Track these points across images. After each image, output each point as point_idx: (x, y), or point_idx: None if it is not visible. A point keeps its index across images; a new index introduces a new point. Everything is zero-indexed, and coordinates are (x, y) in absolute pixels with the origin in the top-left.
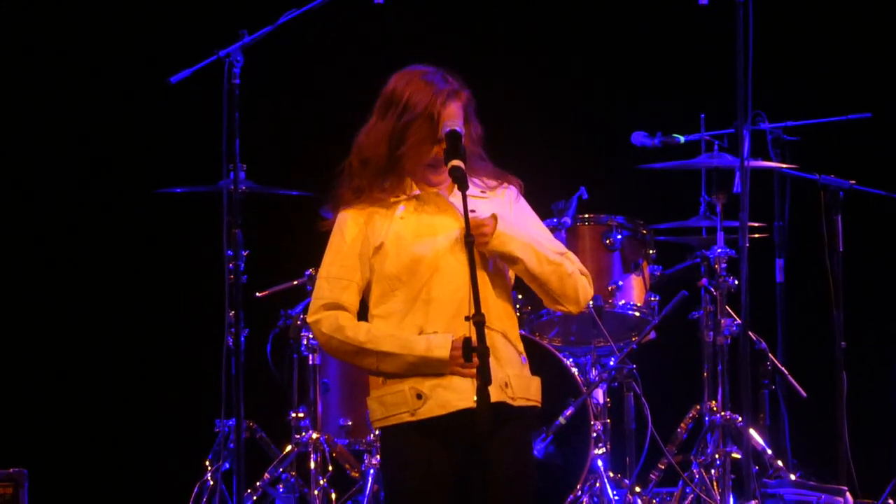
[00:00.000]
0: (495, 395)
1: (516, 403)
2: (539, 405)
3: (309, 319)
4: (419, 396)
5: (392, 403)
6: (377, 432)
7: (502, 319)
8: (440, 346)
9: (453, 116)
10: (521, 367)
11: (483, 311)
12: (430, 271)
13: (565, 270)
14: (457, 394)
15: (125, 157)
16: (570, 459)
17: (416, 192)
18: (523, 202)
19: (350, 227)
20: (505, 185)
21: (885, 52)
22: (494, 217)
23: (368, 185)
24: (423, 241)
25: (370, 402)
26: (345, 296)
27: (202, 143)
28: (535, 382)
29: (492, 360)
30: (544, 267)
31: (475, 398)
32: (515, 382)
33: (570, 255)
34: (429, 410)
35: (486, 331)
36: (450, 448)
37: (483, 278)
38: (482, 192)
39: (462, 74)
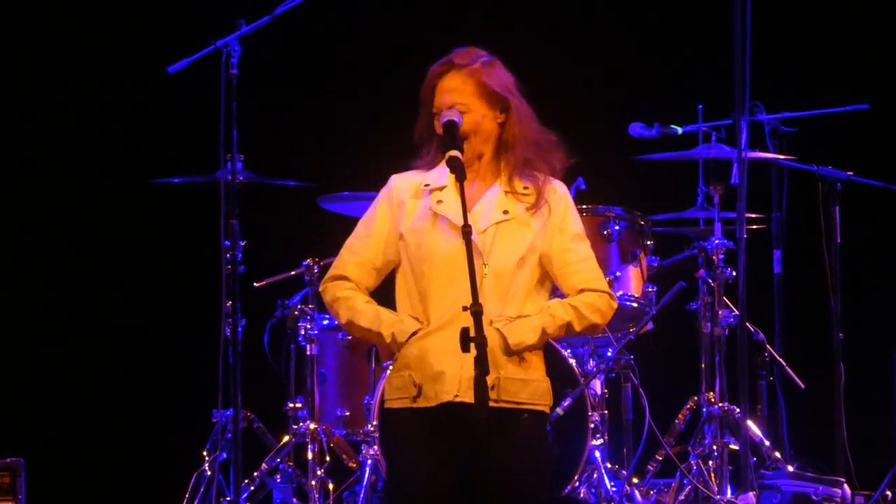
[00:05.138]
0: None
1: (500, 405)
2: (538, 408)
3: (319, 288)
4: (415, 385)
5: (396, 387)
6: (375, 423)
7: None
8: (402, 332)
9: (447, 91)
10: (519, 368)
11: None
12: (434, 267)
13: (574, 329)
14: (444, 386)
15: (123, 147)
16: (567, 450)
17: (445, 182)
18: (569, 214)
19: (383, 204)
20: (544, 199)
21: (882, 43)
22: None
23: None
24: (433, 236)
25: (385, 381)
26: (352, 269)
27: (200, 133)
28: (533, 385)
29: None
30: (554, 337)
31: (456, 394)
32: (504, 385)
33: (591, 291)
34: (424, 401)
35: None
36: (446, 439)
37: (496, 279)
38: (525, 188)
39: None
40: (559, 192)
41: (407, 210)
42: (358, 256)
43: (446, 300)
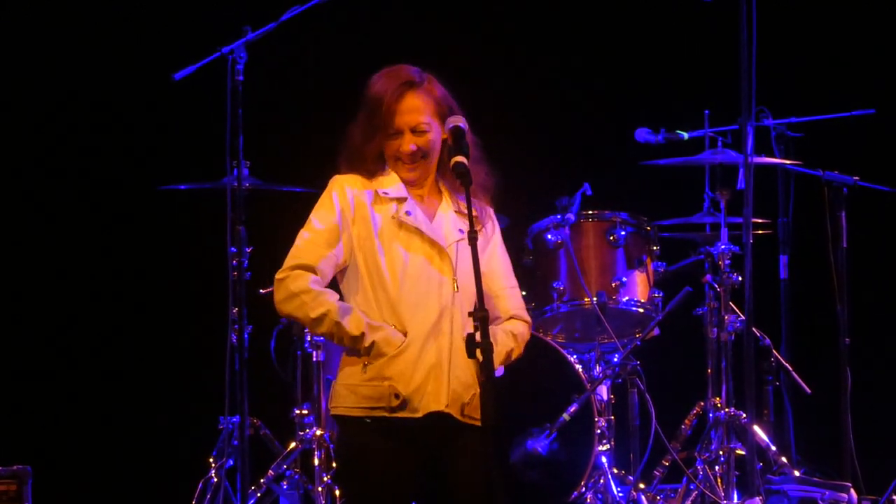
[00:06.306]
0: (455, 411)
1: (468, 421)
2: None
3: (277, 275)
4: (397, 396)
5: (368, 396)
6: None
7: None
8: (389, 342)
9: (410, 111)
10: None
11: (456, 332)
12: (408, 277)
13: (511, 357)
14: (436, 396)
15: (129, 154)
16: (574, 456)
17: (405, 194)
18: (501, 240)
19: (338, 202)
20: (488, 218)
21: (888, 47)
22: None
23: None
24: (405, 247)
25: (338, 386)
26: (319, 261)
27: (206, 140)
28: None
29: (458, 378)
30: (499, 365)
31: (447, 404)
32: (475, 402)
33: (519, 320)
34: (409, 412)
35: (455, 353)
36: (416, 450)
37: (464, 295)
38: (457, 211)
39: (465, 70)
40: (494, 217)
41: (369, 215)
42: (325, 248)
43: (424, 311)
